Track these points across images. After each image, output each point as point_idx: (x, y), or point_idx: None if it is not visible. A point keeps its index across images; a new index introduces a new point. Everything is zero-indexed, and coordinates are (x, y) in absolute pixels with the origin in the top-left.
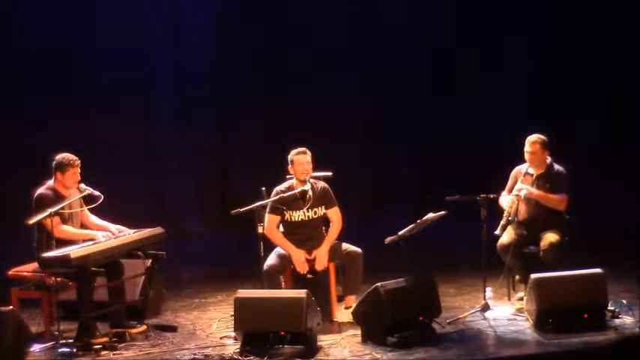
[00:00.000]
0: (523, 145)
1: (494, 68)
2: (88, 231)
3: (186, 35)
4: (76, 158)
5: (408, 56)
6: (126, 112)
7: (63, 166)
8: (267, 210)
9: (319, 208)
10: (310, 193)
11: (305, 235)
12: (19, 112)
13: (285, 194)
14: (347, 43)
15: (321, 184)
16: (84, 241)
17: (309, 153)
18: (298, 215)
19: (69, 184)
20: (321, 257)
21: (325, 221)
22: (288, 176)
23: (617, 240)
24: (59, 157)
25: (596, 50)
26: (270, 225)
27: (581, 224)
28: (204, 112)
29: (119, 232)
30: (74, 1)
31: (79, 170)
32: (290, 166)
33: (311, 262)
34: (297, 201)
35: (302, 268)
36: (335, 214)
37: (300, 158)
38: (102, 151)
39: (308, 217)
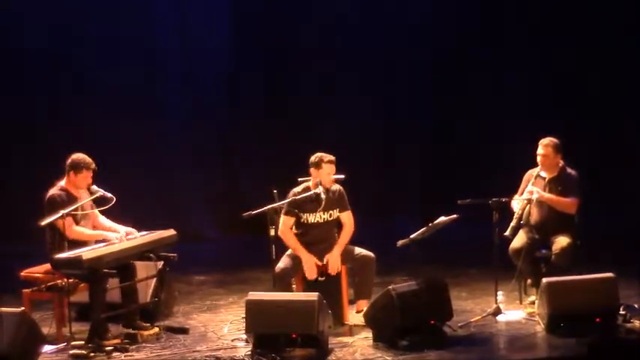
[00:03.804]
0: (536, 148)
1: (513, 68)
2: (100, 231)
3: (196, 35)
4: (92, 162)
5: (416, 56)
6: (137, 113)
7: (78, 167)
8: (282, 211)
9: (334, 210)
10: (323, 195)
11: (317, 236)
12: (31, 112)
13: (298, 197)
14: (361, 44)
15: (337, 187)
16: (96, 241)
17: (335, 162)
18: (314, 218)
19: (80, 185)
20: (334, 261)
21: (338, 224)
22: (300, 179)
23: (628, 243)
24: (75, 156)
25: (600, 50)
26: (284, 227)
27: (593, 227)
28: (215, 113)
29: (127, 235)
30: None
31: (93, 174)
32: (315, 168)
33: (323, 266)
34: (312, 203)
35: (311, 273)
36: (348, 218)
37: (330, 168)
38: (113, 153)
39: (323, 219)
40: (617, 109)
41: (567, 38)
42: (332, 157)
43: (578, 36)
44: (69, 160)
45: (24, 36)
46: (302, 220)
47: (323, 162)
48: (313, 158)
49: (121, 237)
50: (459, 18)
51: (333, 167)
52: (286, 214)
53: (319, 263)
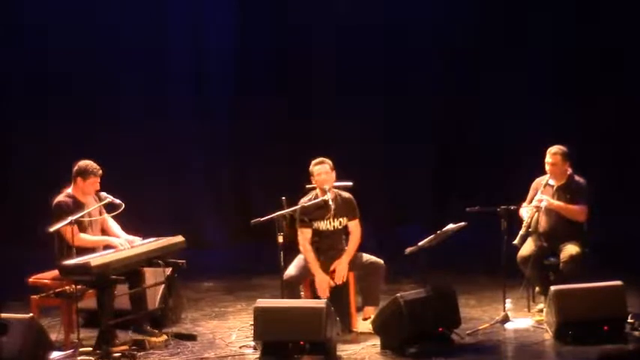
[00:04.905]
0: (544, 156)
1: (516, 68)
2: (104, 237)
3: (206, 41)
4: (99, 168)
5: (425, 59)
6: (146, 118)
7: (86, 173)
8: (297, 224)
9: (343, 218)
10: (331, 202)
11: (327, 244)
12: (42, 114)
13: (307, 204)
14: (372, 45)
15: (346, 194)
16: (104, 247)
17: (327, 162)
18: (325, 225)
19: (88, 191)
20: (341, 270)
21: (346, 232)
22: (308, 186)
23: (636, 251)
24: (82, 163)
25: (603, 50)
26: (303, 240)
27: (600, 235)
28: (224, 117)
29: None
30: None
31: (99, 180)
32: (312, 177)
33: (330, 274)
34: (321, 211)
35: (324, 293)
36: (355, 227)
37: (318, 168)
38: (120, 158)
39: (333, 227)
40: (618, 109)
41: (568, 38)
42: (320, 159)
43: (579, 35)
44: (75, 167)
45: (26, 36)
46: (313, 228)
47: (313, 167)
48: None
49: (124, 243)
50: (460, 18)
51: (324, 166)
52: (302, 226)
53: (332, 284)
